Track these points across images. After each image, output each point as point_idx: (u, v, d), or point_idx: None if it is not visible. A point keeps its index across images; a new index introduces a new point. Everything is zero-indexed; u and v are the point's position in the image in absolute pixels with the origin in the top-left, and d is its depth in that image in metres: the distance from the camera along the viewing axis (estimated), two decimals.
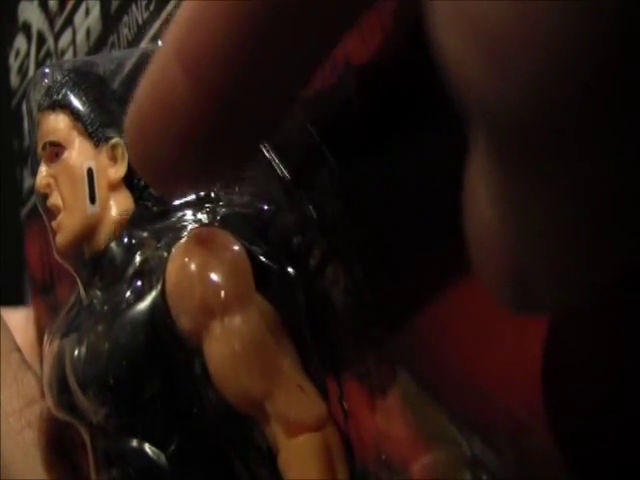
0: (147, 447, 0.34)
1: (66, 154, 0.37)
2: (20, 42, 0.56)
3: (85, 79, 0.38)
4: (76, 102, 0.37)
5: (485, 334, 0.28)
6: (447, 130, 0.29)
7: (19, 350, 0.44)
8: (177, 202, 0.38)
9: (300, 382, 0.32)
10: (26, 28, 0.55)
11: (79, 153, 0.37)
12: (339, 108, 0.32)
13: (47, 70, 0.38)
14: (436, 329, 0.29)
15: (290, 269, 0.33)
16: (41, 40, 0.53)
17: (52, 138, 0.37)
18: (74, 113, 0.37)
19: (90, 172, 0.36)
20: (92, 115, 0.37)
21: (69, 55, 0.49)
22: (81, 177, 0.36)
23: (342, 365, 0.33)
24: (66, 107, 0.37)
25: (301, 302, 0.34)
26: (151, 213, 0.38)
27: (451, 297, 0.29)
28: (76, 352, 0.35)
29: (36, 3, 0.53)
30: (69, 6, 0.50)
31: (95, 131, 0.37)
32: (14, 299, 0.53)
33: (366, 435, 0.32)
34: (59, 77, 0.37)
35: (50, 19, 0.52)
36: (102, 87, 0.38)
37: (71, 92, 0.37)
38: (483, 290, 0.28)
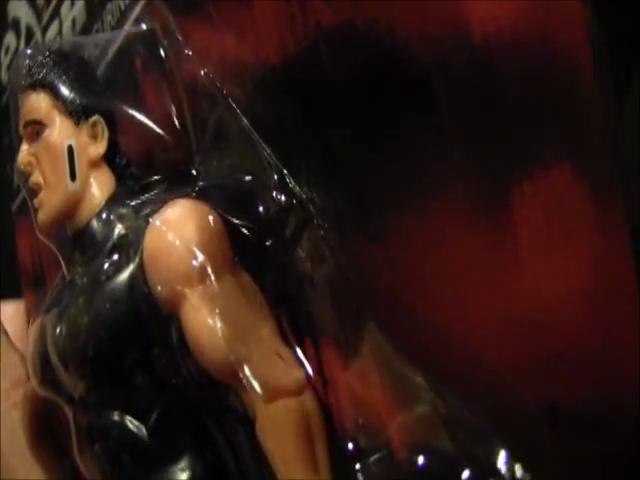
0: (128, 420, 0.34)
1: (47, 132, 0.37)
2: (10, 39, 0.57)
3: (65, 59, 0.38)
4: (56, 81, 0.37)
5: (460, 291, 0.28)
6: (416, 94, 0.29)
7: (5, 333, 0.45)
8: (157, 177, 0.39)
9: (278, 349, 0.32)
10: (15, 24, 0.56)
11: (60, 131, 0.37)
12: (311, 74, 0.32)
13: (28, 51, 0.38)
14: (412, 289, 0.29)
15: (267, 237, 0.33)
16: (29, 34, 0.54)
17: (33, 117, 0.37)
18: (54, 92, 0.37)
19: (70, 149, 0.37)
20: (72, 94, 0.37)
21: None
22: (62, 155, 0.37)
23: (320, 332, 0.33)
24: (46, 86, 0.37)
25: (279, 270, 0.34)
26: (132, 190, 0.38)
27: (427, 257, 0.29)
28: (57, 328, 0.35)
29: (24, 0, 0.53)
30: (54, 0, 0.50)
31: (75, 109, 0.37)
32: (8, 292, 0.53)
33: (344, 400, 0.32)
34: (40, 57, 0.37)
35: (38, 13, 0.52)
36: (83, 67, 0.39)
37: (51, 71, 0.37)
38: (458, 249, 0.29)
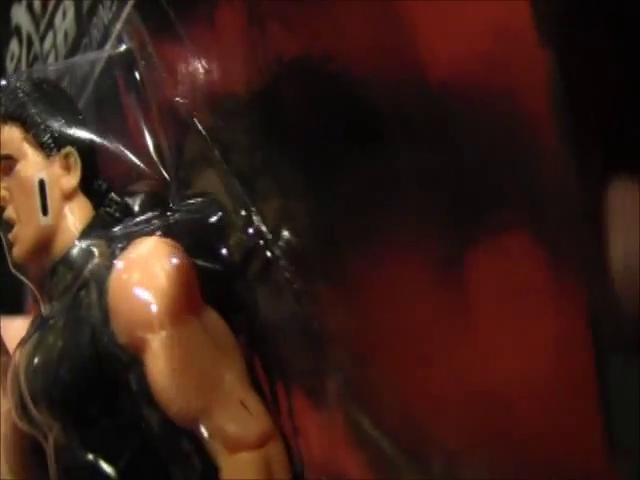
0: (101, 462, 0.34)
1: (19, 166, 0.36)
2: (14, 45, 0.56)
3: (37, 89, 0.37)
4: (26, 114, 0.36)
5: (416, 348, 0.26)
6: (371, 136, 0.27)
7: (8, 354, 0.45)
8: (137, 207, 0.38)
9: (243, 397, 0.31)
10: (18, 31, 0.55)
11: (31, 165, 0.36)
12: (274, 107, 0.31)
13: (3, 82, 0.37)
14: (370, 339, 0.28)
15: (232, 279, 0.32)
16: (29, 43, 0.53)
17: (5, 151, 0.36)
18: (25, 125, 0.36)
19: (42, 184, 0.36)
20: (42, 126, 0.36)
21: (52, 58, 0.49)
22: (33, 189, 0.36)
23: (290, 378, 0.31)
24: (16, 119, 0.36)
25: (248, 312, 0.32)
26: (113, 218, 0.37)
27: (384, 308, 0.27)
28: (30, 364, 0.35)
29: (24, 5, 0.52)
30: (50, 7, 0.49)
31: (46, 141, 0.36)
32: (13, 306, 0.53)
33: (313, 449, 0.31)
34: (11, 89, 0.37)
35: (36, 21, 0.51)
36: (55, 97, 0.37)
37: (22, 103, 0.36)
38: (414, 302, 0.27)
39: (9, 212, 0.36)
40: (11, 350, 0.45)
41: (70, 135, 0.36)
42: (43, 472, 0.40)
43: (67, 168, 0.36)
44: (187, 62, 0.35)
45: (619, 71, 0.22)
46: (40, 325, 0.36)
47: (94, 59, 0.42)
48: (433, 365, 0.25)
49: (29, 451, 0.41)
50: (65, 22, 0.47)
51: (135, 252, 0.32)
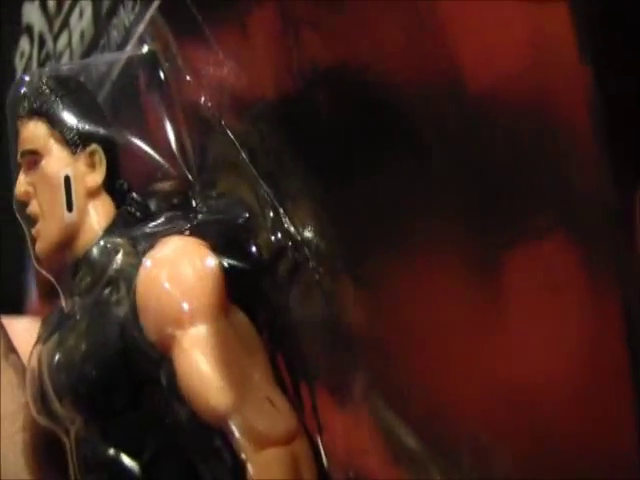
0: (123, 456, 0.34)
1: (44, 162, 0.37)
2: (24, 43, 0.56)
3: (63, 86, 0.37)
4: (53, 110, 0.37)
5: (447, 351, 0.27)
6: (408, 143, 0.28)
7: (15, 352, 0.45)
8: (153, 207, 0.38)
9: (270, 394, 0.31)
10: (29, 30, 0.55)
11: (56, 161, 0.36)
12: (307, 114, 0.31)
13: (26, 78, 0.38)
14: (401, 342, 0.28)
15: (260, 279, 0.33)
16: (42, 42, 0.53)
17: (30, 146, 0.37)
18: (51, 121, 0.37)
19: (67, 180, 0.36)
20: (69, 122, 0.37)
21: (66, 57, 0.49)
22: (58, 185, 0.36)
23: (314, 376, 0.32)
24: (43, 115, 0.37)
25: (274, 312, 0.33)
26: (134, 218, 0.37)
27: (415, 312, 0.28)
28: (53, 360, 0.35)
29: (37, 4, 0.53)
30: (66, 7, 0.49)
31: (72, 139, 0.36)
32: (14, 305, 0.53)
33: (338, 447, 0.32)
34: (37, 85, 0.37)
35: (49, 21, 0.52)
36: (81, 94, 0.38)
37: (48, 100, 0.37)
38: (446, 307, 0.28)
39: (33, 207, 0.37)
40: (18, 348, 0.46)
41: (95, 133, 0.36)
42: (57, 469, 0.40)
43: (92, 166, 0.36)
44: (214, 65, 0.36)
45: None
46: (62, 322, 0.36)
47: (112, 60, 0.42)
48: (463, 363, 0.26)
49: (42, 449, 0.41)
50: (82, 22, 0.47)
51: (164, 250, 0.33)
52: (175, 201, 0.37)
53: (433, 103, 0.27)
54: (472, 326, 0.26)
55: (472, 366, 0.26)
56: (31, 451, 0.41)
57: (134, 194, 0.38)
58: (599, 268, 0.23)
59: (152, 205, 0.37)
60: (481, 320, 0.26)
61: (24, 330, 0.51)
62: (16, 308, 0.53)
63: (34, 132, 0.37)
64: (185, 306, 0.31)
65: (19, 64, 0.56)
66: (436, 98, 0.27)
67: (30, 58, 0.55)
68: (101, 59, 0.44)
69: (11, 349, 0.45)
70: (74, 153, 0.36)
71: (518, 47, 0.24)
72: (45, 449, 0.41)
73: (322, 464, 0.32)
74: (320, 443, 0.32)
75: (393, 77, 0.28)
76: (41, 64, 0.53)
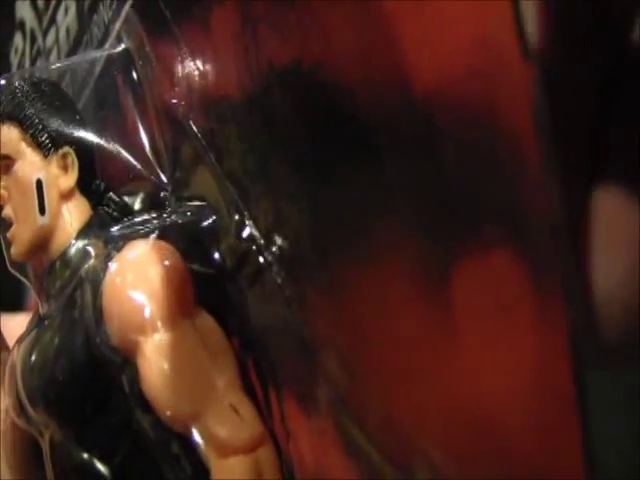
0: (96, 461, 0.34)
1: (16, 166, 0.36)
2: (18, 39, 0.56)
3: (35, 89, 0.37)
4: (24, 113, 0.36)
5: (403, 364, 0.26)
6: (362, 145, 0.27)
7: (8, 349, 0.45)
8: (137, 206, 0.38)
9: (234, 401, 0.31)
10: (22, 25, 0.55)
11: (28, 165, 0.36)
12: (267, 114, 0.31)
13: (2, 82, 0.37)
14: (359, 351, 0.28)
15: (225, 284, 0.32)
16: (33, 38, 0.53)
17: (2, 151, 0.36)
18: (22, 125, 0.36)
19: (39, 183, 0.36)
20: (40, 126, 0.36)
21: (54, 54, 0.49)
22: (31, 189, 0.36)
23: (281, 383, 0.32)
24: (14, 119, 0.36)
25: (241, 316, 0.33)
26: (109, 217, 0.37)
27: (372, 320, 0.27)
28: (26, 364, 0.35)
29: (28, 1, 0.53)
30: (53, 3, 0.49)
31: (44, 142, 0.36)
32: (13, 302, 0.54)
33: (305, 456, 0.31)
34: (10, 88, 0.37)
35: (39, 17, 0.52)
36: (54, 96, 0.38)
37: (19, 103, 0.37)
38: (402, 315, 0.27)
39: (7, 211, 0.37)
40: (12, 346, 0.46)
41: (68, 135, 0.36)
42: (42, 471, 0.40)
43: (65, 168, 0.36)
44: (183, 64, 0.35)
45: (603, 86, 0.22)
46: (37, 324, 0.36)
47: (94, 58, 0.42)
48: (417, 379, 0.25)
49: (28, 449, 0.41)
50: (67, 18, 0.47)
51: (130, 254, 0.33)
52: (154, 201, 0.37)
53: (384, 105, 0.26)
54: (426, 341, 0.25)
55: (424, 381, 0.25)
56: (19, 451, 0.41)
57: (111, 194, 0.37)
58: (547, 286, 0.22)
59: (135, 204, 0.37)
60: (434, 335, 0.25)
61: (19, 328, 0.52)
62: (16, 308, 0.53)
63: (6, 136, 0.37)
64: (148, 311, 0.31)
65: (14, 59, 0.56)
66: (386, 100, 0.26)
67: (23, 54, 0.55)
68: (84, 57, 0.43)
69: (5, 347, 0.46)
70: (46, 156, 0.36)
71: (461, 45, 0.23)
72: (33, 449, 0.42)
73: (288, 472, 0.31)
74: (287, 451, 0.31)
75: (344, 77, 0.27)
76: (33, 60, 0.53)
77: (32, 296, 0.55)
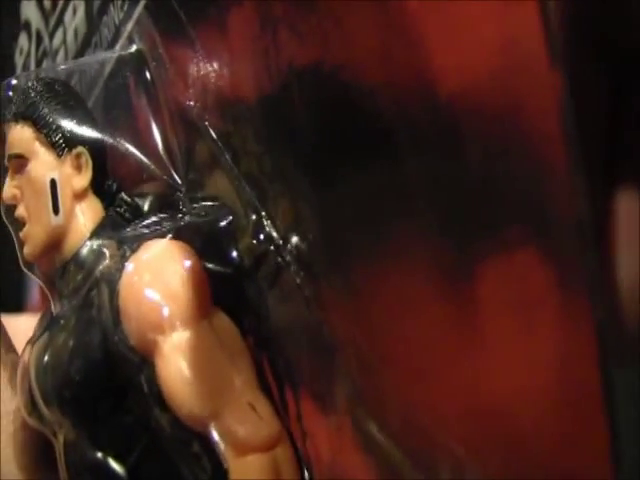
0: (110, 460, 0.34)
1: (30, 166, 0.37)
2: (23, 40, 0.56)
3: (49, 89, 0.37)
4: (38, 113, 0.37)
5: (423, 363, 0.26)
6: (381, 146, 0.27)
7: (14, 350, 0.45)
8: (146, 207, 0.38)
9: (252, 400, 0.31)
10: (27, 26, 0.55)
11: (42, 164, 0.36)
12: (285, 115, 0.31)
13: (13, 81, 0.38)
14: (377, 350, 0.28)
15: (242, 283, 0.32)
16: (39, 39, 0.53)
17: (16, 150, 0.37)
18: (36, 124, 0.36)
19: (53, 183, 0.36)
20: (54, 126, 0.36)
21: (61, 55, 0.49)
22: (44, 189, 0.36)
23: (298, 382, 0.32)
24: (28, 118, 0.36)
25: (257, 316, 0.33)
26: (122, 218, 0.37)
27: (390, 320, 0.28)
28: (40, 363, 0.35)
29: (34, 1, 0.53)
30: (60, 4, 0.49)
31: (57, 141, 0.36)
32: (14, 302, 0.54)
33: (323, 455, 0.31)
34: (23, 88, 0.37)
35: (45, 17, 0.52)
36: (67, 96, 0.38)
37: (33, 103, 0.37)
38: (420, 317, 0.27)
39: (20, 211, 0.37)
40: (17, 346, 0.46)
41: (81, 135, 0.36)
42: (53, 470, 0.40)
43: (78, 168, 0.36)
44: (198, 65, 0.36)
45: (620, 86, 0.22)
46: (50, 324, 0.36)
47: (104, 59, 0.42)
48: (438, 376, 0.25)
49: (39, 450, 0.41)
50: (75, 19, 0.47)
51: (146, 254, 0.33)
52: (165, 202, 0.37)
53: (406, 107, 0.26)
54: (447, 338, 0.25)
55: (446, 379, 0.25)
56: (30, 451, 0.41)
57: (123, 195, 0.38)
58: (571, 284, 0.22)
59: (145, 206, 0.37)
60: (456, 332, 0.25)
61: (23, 328, 0.52)
62: (17, 307, 0.53)
63: (20, 136, 0.37)
64: (166, 311, 0.31)
65: (19, 60, 0.56)
66: (408, 102, 0.26)
67: (29, 55, 0.55)
68: (94, 58, 0.43)
69: (11, 348, 0.45)
70: (60, 156, 0.36)
71: (488, 48, 0.23)
72: (44, 449, 0.42)
73: (305, 470, 0.32)
74: (303, 449, 0.32)
75: (366, 79, 0.27)
76: (39, 61, 0.53)
77: (32, 296, 0.56)
